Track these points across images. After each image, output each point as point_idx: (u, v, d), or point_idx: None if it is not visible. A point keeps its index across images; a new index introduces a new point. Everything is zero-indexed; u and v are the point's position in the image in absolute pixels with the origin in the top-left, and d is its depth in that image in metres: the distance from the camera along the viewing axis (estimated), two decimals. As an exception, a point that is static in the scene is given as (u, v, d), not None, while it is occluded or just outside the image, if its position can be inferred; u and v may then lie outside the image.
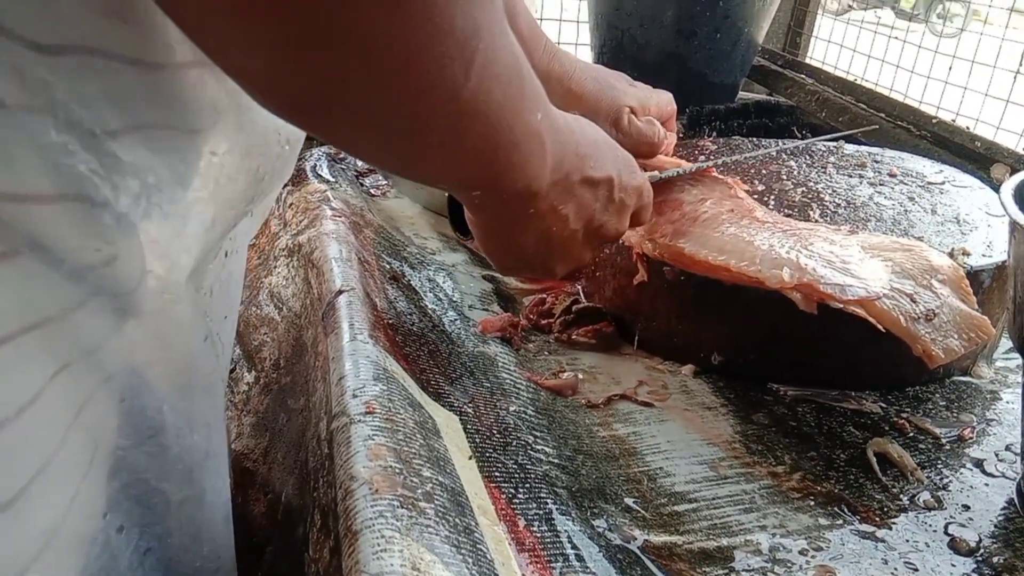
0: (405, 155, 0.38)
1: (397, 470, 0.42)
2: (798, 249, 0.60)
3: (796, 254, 0.59)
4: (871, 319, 0.55)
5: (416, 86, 0.32)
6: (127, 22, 0.30)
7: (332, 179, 0.90)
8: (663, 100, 0.74)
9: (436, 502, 0.41)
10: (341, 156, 0.99)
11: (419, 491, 0.41)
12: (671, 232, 0.65)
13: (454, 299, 0.71)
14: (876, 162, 0.85)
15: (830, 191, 0.76)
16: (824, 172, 0.81)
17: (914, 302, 0.56)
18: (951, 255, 0.63)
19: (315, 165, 0.93)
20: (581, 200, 0.50)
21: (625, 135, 0.70)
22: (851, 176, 0.80)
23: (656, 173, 0.67)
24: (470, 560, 0.39)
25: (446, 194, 0.86)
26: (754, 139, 0.92)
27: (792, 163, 0.83)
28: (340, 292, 0.59)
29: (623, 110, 0.70)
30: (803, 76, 1.23)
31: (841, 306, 0.56)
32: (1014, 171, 0.80)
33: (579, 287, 0.77)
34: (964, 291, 0.58)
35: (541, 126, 0.42)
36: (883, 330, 0.55)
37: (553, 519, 0.46)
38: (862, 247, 0.62)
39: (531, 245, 0.50)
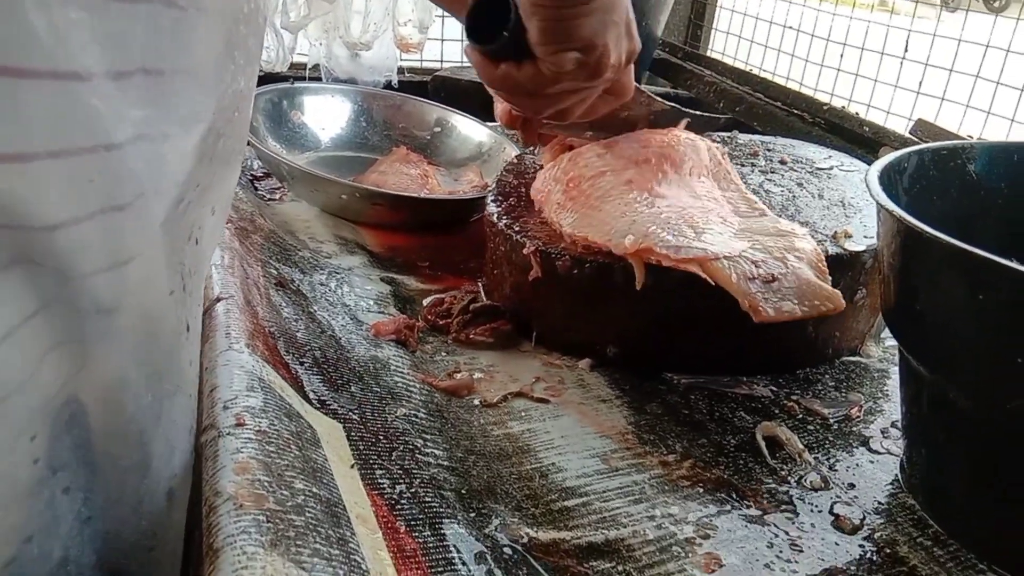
0: None
1: (266, 483, 0.40)
2: (659, 223, 0.61)
3: (648, 225, 0.60)
4: (704, 275, 0.57)
5: None
6: None
7: (225, 185, 0.87)
8: None
9: (307, 515, 0.40)
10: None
11: (289, 504, 0.39)
12: (565, 209, 0.67)
13: (347, 303, 0.69)
14: (768, 150, 0.86)
15: (722, 179, 0.76)
16: (717, 161, 0.82)
17: (756, 266, 0.57)
18: (834, 237, 0.64)
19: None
20: None
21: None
22: (743, 165, 0.81)
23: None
24: (342, 572, 0.37)
25: (343, 195, 0.84)
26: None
27: (687, 153, 0.83)
28: (218, 300, 0.57)
29: None
30: (702, 68, 1.25)
31: (674, 264, 0.57)
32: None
33: (480, 285, 0.76)
34: (820, 270, 0.59)
35: None
36: (713, 284, 0.57)
37: (437, 523, 0.45)
38: (741, 229, 0.62)
39: (597, 19, 0.58)
